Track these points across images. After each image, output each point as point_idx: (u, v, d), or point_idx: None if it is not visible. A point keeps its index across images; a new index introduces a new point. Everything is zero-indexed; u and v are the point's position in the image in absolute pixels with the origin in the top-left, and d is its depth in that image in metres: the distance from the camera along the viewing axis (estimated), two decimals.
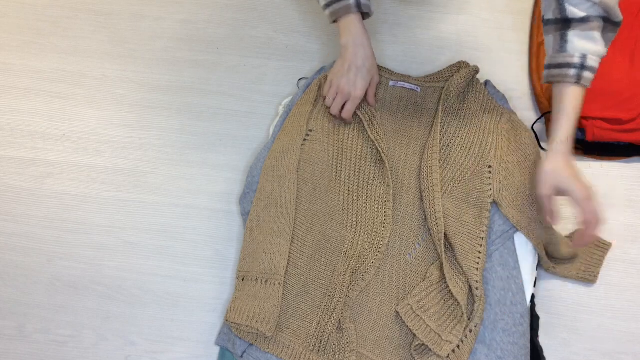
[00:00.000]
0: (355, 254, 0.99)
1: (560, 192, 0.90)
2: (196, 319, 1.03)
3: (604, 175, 1.10)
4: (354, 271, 0.98)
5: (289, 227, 0.99)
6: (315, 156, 1.05)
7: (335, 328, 0.94)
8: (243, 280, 0.98)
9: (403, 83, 1.11)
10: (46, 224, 1.10)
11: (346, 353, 0.93)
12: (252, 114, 1.18)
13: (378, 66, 1.11)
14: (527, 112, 1.15)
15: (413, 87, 1.11)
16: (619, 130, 1.07)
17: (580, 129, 1.09)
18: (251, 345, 0.95)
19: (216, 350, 1.01)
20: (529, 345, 0.94)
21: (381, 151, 1.03)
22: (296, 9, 1.27)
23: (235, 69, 1.22)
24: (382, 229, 1.00)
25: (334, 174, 1.05)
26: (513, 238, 1.00)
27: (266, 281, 0.96)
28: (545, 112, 1.12)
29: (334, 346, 0.94)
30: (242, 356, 0.94)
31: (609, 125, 1.07)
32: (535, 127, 1.12)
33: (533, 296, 0.98)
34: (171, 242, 1.08)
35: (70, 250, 1.08)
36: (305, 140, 1.06)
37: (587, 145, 1.09)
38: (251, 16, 1.27)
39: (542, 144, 1.11)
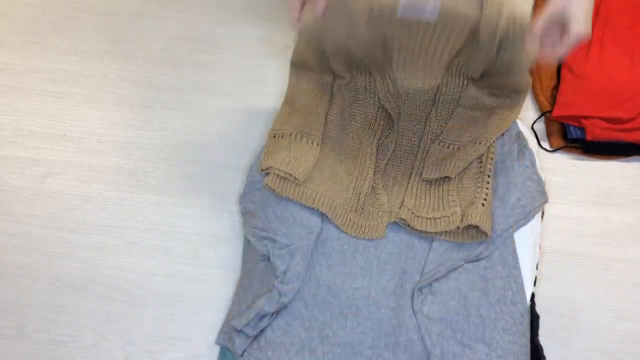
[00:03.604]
0: (379, 127, 1.05)
1: (560, 19, 0.82)
2: (196, 319, 1.03)
3: (604, 175, 1.10)
4: (380, 144, 1.05)
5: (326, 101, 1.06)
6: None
7: (369, 192, 1.01)
8: (275, 137, 1.02)
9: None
10: (47, 224, 1.10)
11: (379, 213, 1.00)
12: (252, 114, 1.18)
13: None
14: (527, 112, 1.15)
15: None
16: (619, 130, 1.07)
17: (580, 128, 1.09)
18: (251, 344, 0.95)
19: (216, 349, 1.01)
20: (529, 344, 0.94)
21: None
22: None
23: (235, 69, 1.22)
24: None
25: None
26: (513, 237, 1.00)
27: (301, 137, 1.01)
28: (545, 111, 1.12)
29: (369, 207, 1.01)
30: (242, 355, 0.94)
31: (609, 124, 1.07)
32: (535, 127, 1.12)
33: (533, 295, 0.98)
34: (171, 242, 1.08)
35: (71, 250, 1.08)
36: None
37: (587, 145, 1.09)
38: (251, 16, 1.27)
39: (542, 144, 1.11)
